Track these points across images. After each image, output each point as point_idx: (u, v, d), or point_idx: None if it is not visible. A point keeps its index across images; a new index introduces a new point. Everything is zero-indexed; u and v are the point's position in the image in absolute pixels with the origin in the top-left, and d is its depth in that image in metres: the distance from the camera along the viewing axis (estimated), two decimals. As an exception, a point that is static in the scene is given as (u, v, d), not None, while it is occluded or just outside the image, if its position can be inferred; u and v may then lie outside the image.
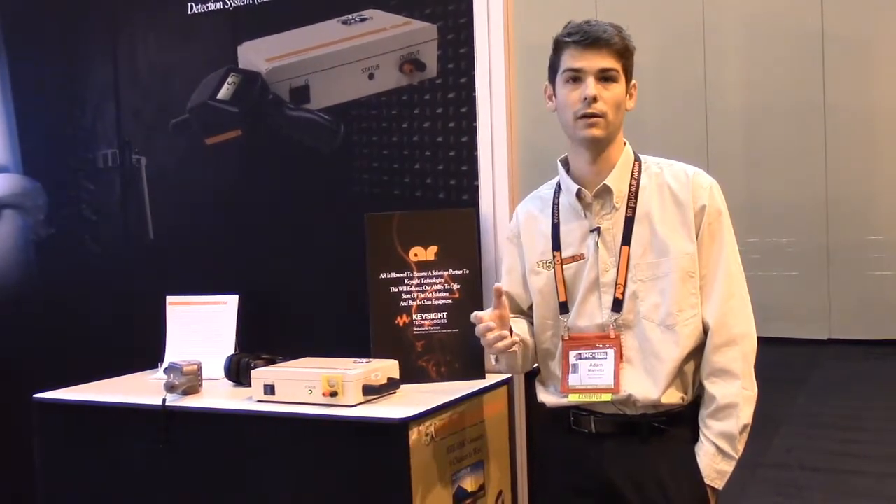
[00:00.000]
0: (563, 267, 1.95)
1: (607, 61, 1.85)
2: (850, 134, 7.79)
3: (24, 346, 3.14)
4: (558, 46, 1.89)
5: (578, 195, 1.93)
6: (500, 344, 1.88)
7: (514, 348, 1.94)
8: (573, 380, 1.92)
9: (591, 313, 1.92)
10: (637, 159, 1.95)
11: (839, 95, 7.81)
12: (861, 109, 7.77)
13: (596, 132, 1.86)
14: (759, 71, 8.09)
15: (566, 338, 1.94)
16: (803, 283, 7.84)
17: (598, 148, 1.90)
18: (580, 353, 1.92)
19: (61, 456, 2.39)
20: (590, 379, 1.90)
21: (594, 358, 1.90)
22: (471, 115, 2.46)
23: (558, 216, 1.97)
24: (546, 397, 1.99)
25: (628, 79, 1.89)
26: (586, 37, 1.84)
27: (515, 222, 2.08)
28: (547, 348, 2.00)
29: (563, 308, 1.95)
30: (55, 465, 2.39)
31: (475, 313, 1.91)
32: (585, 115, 1.85)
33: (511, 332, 1.93)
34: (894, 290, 7.66)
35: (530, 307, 2.05)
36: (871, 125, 7.78)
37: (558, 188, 1.99)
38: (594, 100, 1.84)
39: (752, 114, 8.16)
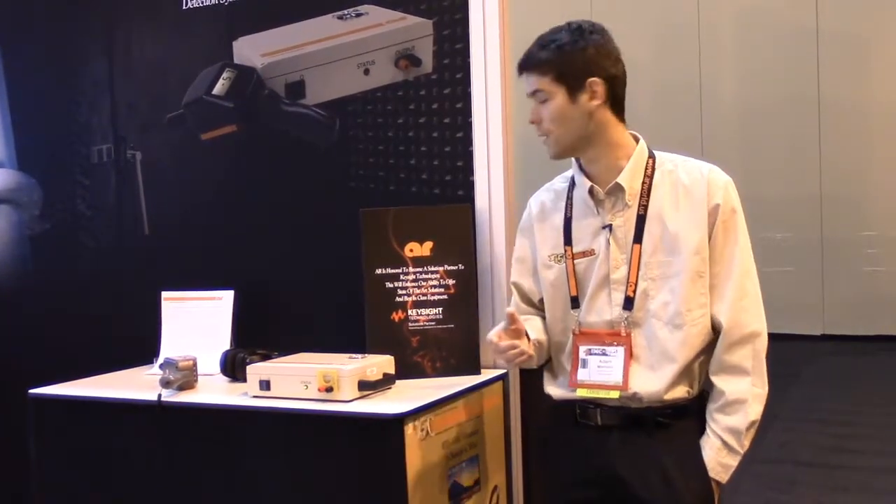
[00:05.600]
0: (575, 262, 1.96)
1: (532, 83, 1.89)
2: (844, 130, 7.81)
3: (19, 341, 3.13)
4: None
5: (591, 192, 1.93)
6: (520, 359, 1.91)
7: (531, 353, 1.95)
8: (582, 374, 1.93)
9: (601, 309, 1.93)
10: (651, 156, 1.93)
11: (833, 91, 7.82)
12: (855, 105, 7.79)
13: (549, 151, 1.92)
14: (754, 67, 8.10)
15: (576, 332, 1.95)
16: (797, 279, 7.86)
17: (576, 156, 1.94)
18: (590, 349, 1.93)
19: (56, 451, 2.39)
20: (599, 375, 1.91)
21: (604, 354, 1.91)
22: (466, 111, 2.46)
23: (571, 210, 1.98)
24: (553, 389, 2.00)
25: (573, 84, 1.86)
26: (517, 64, 1.92)
27: (528, 214, 2.09)
28: (558, 341, 2.01)
29: (574, 303, 1.96)
30: (50, 460, 2.39)
31: (489, 338, 1.92)
32: (541, 136, 1.92)
33: (528, 337, 1.95)
34: (888, 286, 7.69)
35: (541, 300, 2.05)
36: (865, 121, 7.80)
37: (572, 182, 1.99)
38: (533, 123, 1.91)
39: (746, 110, 8.18)
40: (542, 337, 2.03)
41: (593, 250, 1.93)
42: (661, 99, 7.76)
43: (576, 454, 1.95)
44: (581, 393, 1.92)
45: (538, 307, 2.07)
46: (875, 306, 7.70)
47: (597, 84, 1.86)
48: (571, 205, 1.98)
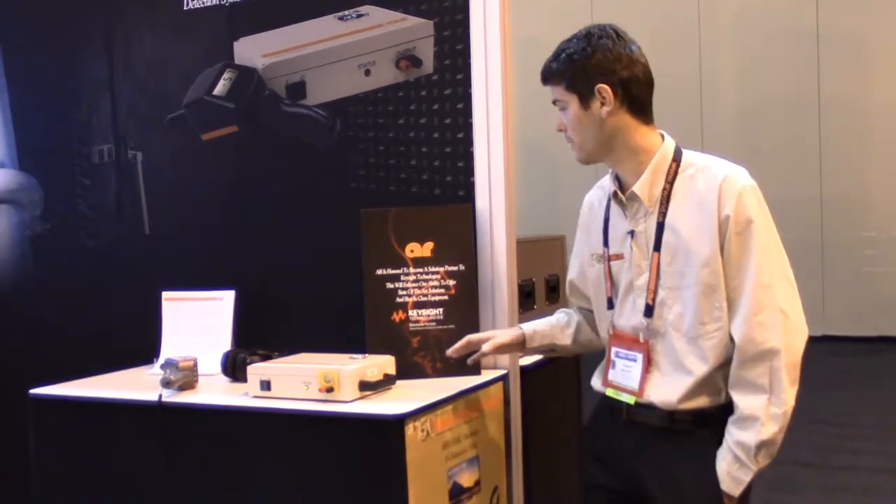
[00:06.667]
0: (611, 263, 1.98)
1: (554, 93, 1.94)
2: (844, 131, 7.81)
3: (19, 341, 3.13)
4: None
5: (615, 196, 1.94)
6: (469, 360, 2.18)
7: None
8: (611, 375, 1.98)
9: (628, 314, 1.94)
10: (676, 159, 1.90)
11: (834, 92, 7.82)
12: (856, 106, 7.79)
13: (575, 156, 1.96)
14: (754, 68, 8.10)
15: (611, 333, 1.99)
16: (798, 280, 7.84)
17: (600, 161, 1.95)
18: (618, 351, 1.96)
19: (57, 451, 2.39)
20: (622, 378, 1.94)
21: (627, 359, 1.94)
22: (467, 112, 2.46)
23: (609, 211, 2.00)
24: (594, 382, 2.06)
25: (583, 92, 1.88)
26: (540, 76, 1.96)
27: (583, 212, 2.12)
28: (604, 336, 2.05)
29: (610, 303, 1.99)
30: (51, 461, 2.39)
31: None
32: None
33: (524, 342, 2.16)
34: (888, 287, 7.69)
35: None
36: (865, 122, 7.80)
37: None
38: (560, 130, 1.95)
39: (746, 111, 8.18)
40: (557, 337, 2.16)
41: (622, 254, 1.95)
42: (661, 99, 7.70)
43: (606, 442, 2.00)
44: (609, 392, 1.97)
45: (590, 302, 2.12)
46: (875, 307, 7.70)
47: (604, 90, 1.86)
48: (610, 205, 2.00)
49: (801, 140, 7.94)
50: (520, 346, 2.16)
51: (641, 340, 1.90)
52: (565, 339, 2.16)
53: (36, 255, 3.18)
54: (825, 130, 7.89)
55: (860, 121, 7.79)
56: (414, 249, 2.37)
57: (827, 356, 7.33)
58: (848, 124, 7.80)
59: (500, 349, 2.15)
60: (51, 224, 3.14)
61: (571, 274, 2.17)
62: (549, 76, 1.93)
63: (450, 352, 2.17)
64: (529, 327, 2.17)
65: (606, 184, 2.03)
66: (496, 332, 2.23)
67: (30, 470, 2.42)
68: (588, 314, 2.14)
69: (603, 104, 1.86)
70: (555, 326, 2.17)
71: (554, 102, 1.94)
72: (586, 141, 1.91)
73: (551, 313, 2.25)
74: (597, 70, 1.86)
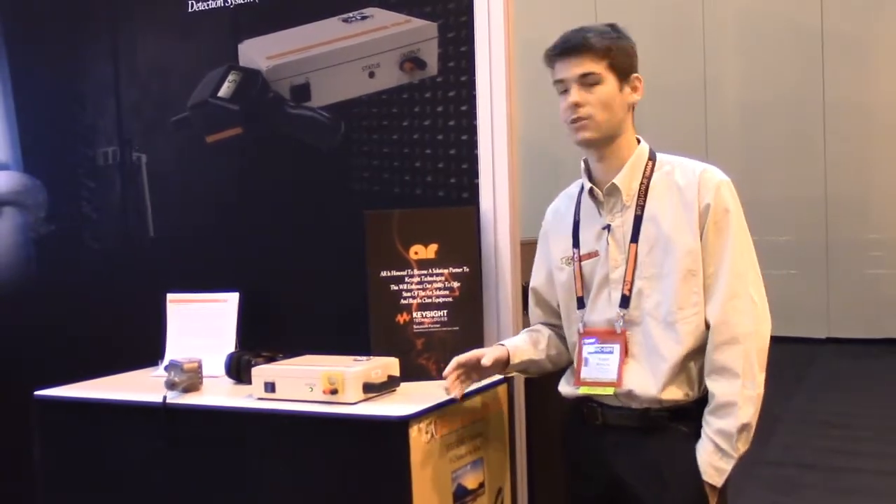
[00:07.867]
0: (582, 263, 2.00)
1: (586, 66, 1.88)
2: (849, 132, 7.80)
3: (24, 343, 3.14)
4: (547, 61, 1.95)
5: (591, 193, 1.97)
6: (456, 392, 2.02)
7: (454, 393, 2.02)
8: (584, 372, 1.98)
9: (602, 309, 1.97)
10: (652, 158, 1.97)
11: (838, 93, 7.81)
12: (860, 107, 7.77)
13: (585, 134, 1.90)
14: (759, 68, 8.09)
15: (581, 331, 2.00)
16: (802, 282, 7.84)
17: (598, 148, 1.94)
18: (591, 347, 1.97)
19: (62, 453, 2.39)
20: (598, 373, 1.95)
21: (602, 352, 1.95)
22: (471, 114, 2.47)
23: (579, 214, 2.03)
24: (563, 388, 2.05)
25: (622, 75, 1.91)
26: (564, 47, 1.91)
27: (545, 221, 2.14)
28: (573, 342, 2.05)
29: (580, 303, 2.01)
30: (55, 463, 2.40)
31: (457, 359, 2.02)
32: (574, 121, 1.90)
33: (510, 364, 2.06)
34: (892, 289, 7.67)
35: (559, 304, 2.09)
36: (869, 123, 7.78)
37: (583, 185, 2.03)
38: (577, 106, 1.89)
39: (751, 111, 8.17)
40: (533, 354, 2.09)
41: (597, 251, 1.98)
42: (665, 99, 7.75)
43: (582, 451, 2.01)
44: (582, 390, 1.97)
45: (557, 311, 2.11)
46: (879, 309, 7.68)
47: (639, 80, 1.93)
48: (580, 208, 2.02)
49: (805, 141, 7.93)
50: (503, 364, 2.07)
51: (618, 331, 1.93)
52: (539, 355, 2.11)
53: (40, 257, 3.18)
54: (829, 131, 7.87)
55: (864, 122, 7.78)
56: (418, 251, 2.37)
57: (830, 358, 7.32)
58: (852, 125, 7.78)
59: (496, 364, 2.03)
60: (55, 226, 3.14)
61: (535, 282, 2.14)
62: (588, 49, 1.88)
63: (446, 384, 2.01)
64: (511, 344, 2.11)
65: (573, 190, 2.08)
66: (482, 350, 2.08)
67: (34, 471, 2.43)
68: (554, 328, 2.14)
69: (634, 91, 1.93)
70: (528, 343, 2.12)
71: (584, 76, 1.87)
72: (609, 120, 1.90)
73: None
74: (633, 59, 1.93)
